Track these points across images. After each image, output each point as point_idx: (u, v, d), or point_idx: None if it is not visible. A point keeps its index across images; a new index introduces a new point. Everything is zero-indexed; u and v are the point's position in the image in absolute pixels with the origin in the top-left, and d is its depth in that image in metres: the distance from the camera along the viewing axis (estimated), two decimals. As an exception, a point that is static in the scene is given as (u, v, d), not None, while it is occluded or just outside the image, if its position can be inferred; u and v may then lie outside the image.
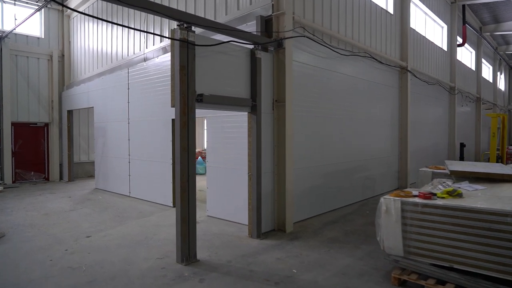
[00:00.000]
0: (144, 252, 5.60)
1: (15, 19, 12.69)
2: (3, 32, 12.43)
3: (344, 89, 9.01)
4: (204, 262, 5.16)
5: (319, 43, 7.77)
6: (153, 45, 9.85)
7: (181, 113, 4.99)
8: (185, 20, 5.10)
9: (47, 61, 13.86)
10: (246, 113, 6.35)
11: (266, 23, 6.89)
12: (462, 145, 15.81)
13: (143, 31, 5.83)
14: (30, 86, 13.37)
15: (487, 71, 24.15)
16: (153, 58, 9.42)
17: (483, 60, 22.22)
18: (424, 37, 13.79)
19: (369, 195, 10.00)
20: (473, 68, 20.57)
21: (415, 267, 4.22)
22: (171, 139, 8.75)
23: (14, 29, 12.14)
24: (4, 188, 11.71)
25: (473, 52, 20.73)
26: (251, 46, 6.31)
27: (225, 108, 5.91)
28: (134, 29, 5.92)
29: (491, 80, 24.87)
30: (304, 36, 7.22)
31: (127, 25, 10.53)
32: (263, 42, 6.54)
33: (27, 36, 13.35)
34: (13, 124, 12.94)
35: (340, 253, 5.51)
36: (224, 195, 7.49)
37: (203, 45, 5.30)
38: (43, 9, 13.45)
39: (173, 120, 8.62)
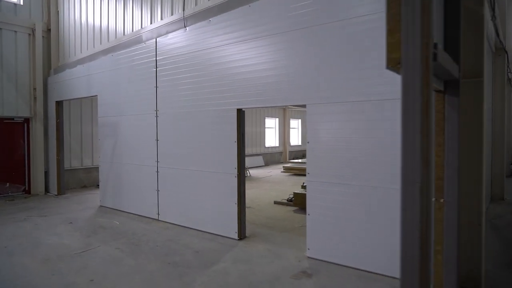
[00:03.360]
0: None
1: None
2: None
3: None
4: None
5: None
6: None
7: (423, 83, 2.13)
8: None
9: (28, 36, 10.46)
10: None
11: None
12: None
13: None
14: (3, 69, 9.95)
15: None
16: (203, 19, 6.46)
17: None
18: None
19: None
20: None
21: None
22: (235, 139, 5.88)
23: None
24: (-32, 208, 8.34)
25: None
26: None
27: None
28: None
29: None
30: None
31: (152, -22, 7.50)
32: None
33: (-1, 1, 9.93)
34: (-20, 119, 9.52)
35: None
36: (350, 226, 4.70)
37: None
38: (22, -34, 10.08)
39: (238, 110, 5.76)
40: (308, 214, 5.07)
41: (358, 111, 4.54)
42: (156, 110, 7.24)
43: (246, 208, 6.27)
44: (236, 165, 5.89)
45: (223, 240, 5.91)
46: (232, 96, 5.88)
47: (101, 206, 8.76)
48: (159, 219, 7.26)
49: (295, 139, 23.47)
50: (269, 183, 12.79)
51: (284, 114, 21.84)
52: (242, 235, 5.95)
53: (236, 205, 5.89)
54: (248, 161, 15.92)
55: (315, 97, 4.91)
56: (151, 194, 7.42)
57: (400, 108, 1.90)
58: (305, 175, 14.37)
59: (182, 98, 6.71)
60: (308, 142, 5.06)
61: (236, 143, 5.88)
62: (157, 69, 7.16)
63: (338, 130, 4.74)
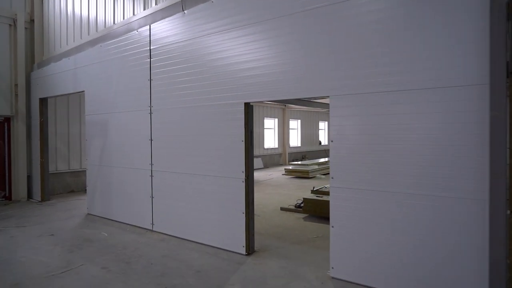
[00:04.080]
0: None
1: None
2: None
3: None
4: None
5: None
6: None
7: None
8: None
9: (9, 28, 9.54)
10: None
11: None
12: None
13: None
14: (-18, 62, 9.02)
15: None
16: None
17: None
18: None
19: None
20: None
21: None
22: (243, 138, 5.06)
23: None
24: None
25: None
26: None
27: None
28: None
29: None
30: None
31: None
32: None
33: (-23, -12, 9.01)
34: (-46, 117, 8.58)
35: None
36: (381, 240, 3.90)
37: None
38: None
39: (246, 105, 4.95)
40: (332, 227, 4.26)
41: (399, 102, 3.75)
42: (150, 106, 6.39)
43: (254, 218, 5.45)
44: (243, 168, 5.07)
45: (228, 255, 5.08)
46: (239, 88, 5.06)
47: (88, 214, 7.86)
48: (154, 229, 6.41)
49: (295, 140, 22.70)
50: (271, 187, 11.98)
51: (283, 114, 21.07)
52: (250, 250, 5.13)
53: (244, 215, 5.07)
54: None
55: (342, 87, 4.11)
56: (144, 202, 6.56)
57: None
58: (307, 177, 13.59)
59: (179, 92, 5.87)
60: (331, 141, 4.26)
61: (243, 142, 5.06)
62: (151, 59, 6.32)
63: (371, 127, 3.94)
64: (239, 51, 5.05)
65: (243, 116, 5.05)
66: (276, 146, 20.80)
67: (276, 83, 4.68)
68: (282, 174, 15.59)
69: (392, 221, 3.80)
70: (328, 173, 15.84)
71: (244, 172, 5.06)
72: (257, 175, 15.47)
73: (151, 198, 6.44)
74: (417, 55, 3.60)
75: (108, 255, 5.15)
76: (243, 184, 5.07)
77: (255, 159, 18.02)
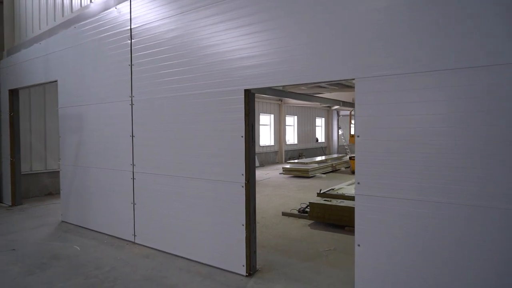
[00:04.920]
0: None
1: None
2: None
3: None
4: None
5: None
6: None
7: None
8: None
9: (-26, 10, 8.44)
10: None
11: None
12: None
13: None
14: None
15: None
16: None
17: None
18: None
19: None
20: None
21: None
22: (242, 133, 4.11)
23: None
24: None
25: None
26: None
27: None
28: None
29: None
30: None
31: None
32: None
33: None
34: None
35: None
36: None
37: None
38: None
39: (247, 92, 4.02)
40: (358, 245, 3.34)
41: (451, 85, 2.83)
42: (131, 96, 5.40)
43: (256, 230, 4.51)
44: (243, 171, 4.12)
45: (225, 277, 4.13)
46: (237, 70, 4.11)
47: (62, 222, 6.85)
48: (136, 241, 5.44)
49: (291, 137, 21.79)
50: (270, 187, 11.05)
51: (279, 110, 20.13)
52: (251, 270, 4.19)
53: (244, 227, 4.13)
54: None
55: (373, 66, 3.19)
56: (125, 208, 5.58)
57: None
58: (307, 177, 12.61)
59: (166, 78, 4.89)
60: (357, 136, 3.33)
61: (243, 138, 4.11)
62: (132, 41, 5.33)
63: (411, 118, 3.02)
64: (235, 23, 4.09)
65: (242, 106, 4.10)
66: (272, 143, 19.87)
67: (286, 64, 3.73)
68: (280, 173, 14.68)
69: (432, 240, 2.89)
70: (329, 172, 15.03)
71: (244, 175, 4.12)
72: (253, 174, 14.52)
73: (132, 205, 5.46)
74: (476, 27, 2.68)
75: (75, 278, 4.17)
76: (243, 190, 4.13)
77: (250, 157, 17.07)
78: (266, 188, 10.95)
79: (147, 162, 5.23)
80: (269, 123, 19.77)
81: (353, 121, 15.55)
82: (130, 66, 5.37)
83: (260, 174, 14.56)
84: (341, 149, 24.78)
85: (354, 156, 14.89)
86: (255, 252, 4.28)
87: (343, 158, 18.25)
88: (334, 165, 15.83)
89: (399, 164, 3.08)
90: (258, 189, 10.54)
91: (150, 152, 5.19)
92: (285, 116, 20.52)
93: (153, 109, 5.11)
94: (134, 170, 5.43)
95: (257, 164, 17.65)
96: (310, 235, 5.89)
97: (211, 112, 4.41)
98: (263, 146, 18.94)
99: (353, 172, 14.53)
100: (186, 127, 4.71)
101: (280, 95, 11.70)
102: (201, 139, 4.54)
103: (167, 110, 4.92)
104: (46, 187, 9.77)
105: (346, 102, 15.71)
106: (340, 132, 24.65)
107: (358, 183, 3.33)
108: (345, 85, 14.62)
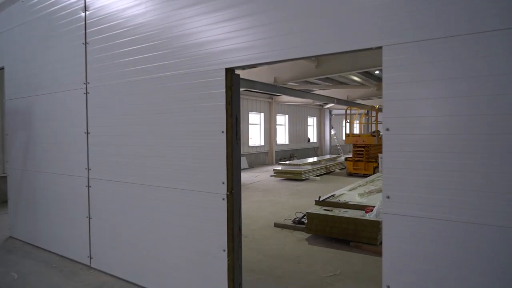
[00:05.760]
0: None
1: None
2: None
3: None
4: None
5: None
6: None
7: None
8: None
9: None
10: None
11: None
12: None
13: None
14: None
15: None
16: None
17: None
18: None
19: None
20: None
21: None
22: (223, 128, 3.06)
23: None
24: None
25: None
26: None
27: None
28: None
29: None
30: None
31: None
32: None
33: None
34: None
35: None
36: None
37: None
38: None
39: (229, 72, 2.96)
40: (388, 287, 2.32)
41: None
42: (86, 83, 4.29)
43: (243, 254, 3.45)
44: (224, 178, 3.07)
45: (200, 322, 3.07)
46: (216, 43, 3.06)
47: (10, 237, 5.68)
48: (92, 265, 4.32)
49: (282, 137, 20.80)
50: (260, 192, 10.01)
51: (270, 108, 19.12)
52: (237, 309, 3.14)
53: (226, 253, 3.07)
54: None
55: (409, 29, 2.18)
56: (79, 224, 4.46)
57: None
58: (300, 180, 11.45)
59: (128, 57, 3.81)
60: (386, 130, 2.32)
61: (224, 134, 3.06)
62: (87, 13, 4.22)
63: (471, 101, 2.02)
64: (218, -17, 3.04)
65: (223, 91, 3.04)
66: (262, 143, 18.85)
67: (283, 29, 2.70)
68: (271, 176, 13.64)
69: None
70: (323, 174, 14.02)
71: (226, 183, 3.07)
72: (241, 177, 13.47)
73: (88, 219, 4.35)
74: None
75: (-5, 325, 3.05)
76: (224, 203, 3.07)
77: (239, 159, 16.03)
78: (256, 193, 9.90)
79: (106, 166, 4.13)
80: (258, 122, 18.75)
81: (348, 120, 14.63)
82: (84, 45, 4.26)
83: (249, 177, 13.51)
84: (333, 149, 23.91)
85: (350, 157, 14.05)
86: (240, 285, 3.23)
87: (337, 159, 17.34)
88: (328, 166, 14.87)
89: (440, 172, 2.07)
90: (246, 194, 9.49)
91: (109, 153, 4.09)
92: (276, 115, 19.53)
93: (113, 98, 4.01)
94: (89, 176, 4.32)
95: (246, 165, 16.59)
96: (309, 253, 4.87)
97: (184, 100, 3.34)
98: (252, 147, 17.90)
99: (349, 174, 13.59)
100: (151, 120, 3.63)
101: (273, 91, 10.70)
102: (171, 135, 3.48)
103: (130, 98, 3.83)
104: (4, 193, 8.51)
105: (341, 99, 14.81)
106: (332, 132, 23.80)
107: (388, 197, 2.31)
108: (339, 82, 13.72)
